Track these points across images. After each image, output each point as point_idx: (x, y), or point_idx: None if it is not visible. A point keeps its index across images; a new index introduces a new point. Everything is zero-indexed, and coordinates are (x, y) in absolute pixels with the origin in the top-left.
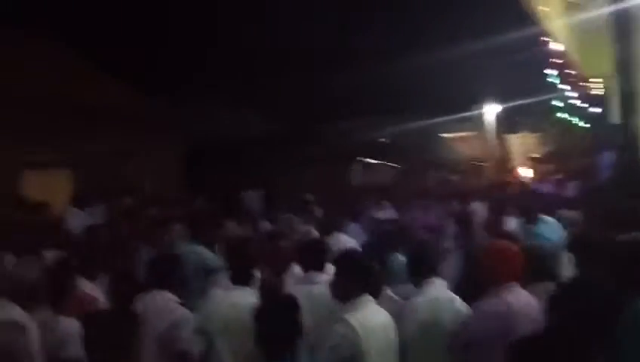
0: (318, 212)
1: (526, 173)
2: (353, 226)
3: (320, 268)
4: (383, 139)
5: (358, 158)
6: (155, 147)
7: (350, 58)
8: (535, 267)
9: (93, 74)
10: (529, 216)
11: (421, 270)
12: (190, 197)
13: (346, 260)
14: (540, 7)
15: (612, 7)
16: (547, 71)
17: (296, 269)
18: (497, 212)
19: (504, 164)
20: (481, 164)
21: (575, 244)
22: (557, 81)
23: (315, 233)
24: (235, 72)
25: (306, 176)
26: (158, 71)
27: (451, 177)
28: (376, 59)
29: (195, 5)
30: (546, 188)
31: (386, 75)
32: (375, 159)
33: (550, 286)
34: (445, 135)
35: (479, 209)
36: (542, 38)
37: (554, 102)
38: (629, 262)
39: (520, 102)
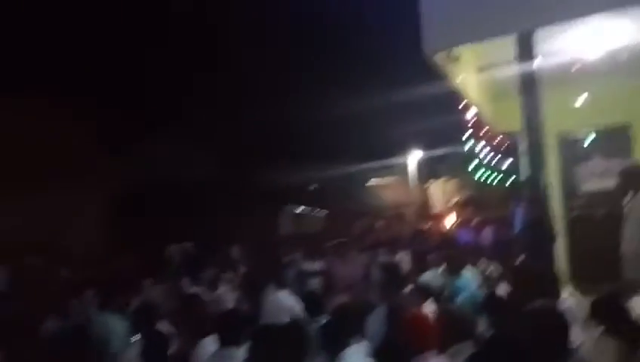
0: (243, 268)
1: (447, 219)
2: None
3: (236, 342)
4: (313, 186)
5: (287, 206)
6: (76, 197)
7: (280, 105)
8: (455, 329)
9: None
10: (451, 268)
11: (338, 339)
12: (110, 253)
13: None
14: (454, 70)
15: (519, 69)
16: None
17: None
18: (419, 263)
19: (426, 209)
20: (404, 210)
21: (487, 306)
22: (469, 140)
23: (230, 298)
24: (166, 115)
25: (235, 224)
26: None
27: (376, 224)
28: (305, 108)
29: (130, 44)
30: (467, 235)
31: (315, 124)
32: (304, 206)
33: (469, 347)
34: (371, 182)
35: (405, 259)
36: (456, 96)
37: (468, 160)
38: (536, 331)
39: (438, 151)
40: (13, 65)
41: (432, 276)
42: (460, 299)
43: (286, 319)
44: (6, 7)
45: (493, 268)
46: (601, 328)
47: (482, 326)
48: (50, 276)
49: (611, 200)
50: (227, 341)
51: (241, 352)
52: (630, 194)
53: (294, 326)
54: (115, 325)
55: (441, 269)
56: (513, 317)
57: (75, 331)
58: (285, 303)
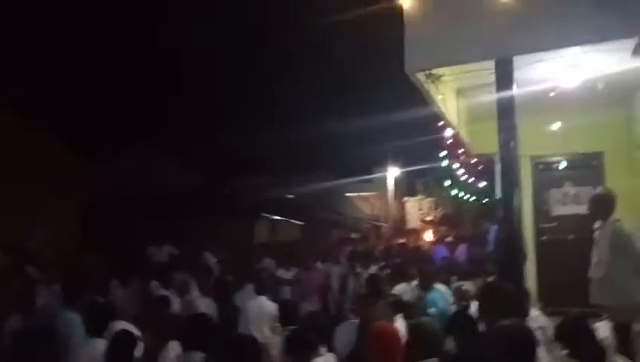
0: (216, 271)
1: (422, 234)
2: (249, 287)
3: (199, 347)
4: (290, 196)
5: (263, 215)
6: (49, 200)
7: (261, 119)
8: (422, 344)
9: None
10: (423, 283)
11: (304, 348)
12: (80, 256)
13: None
14: (434, 90)
15: (497, 93)
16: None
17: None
18: (392, 277)
19: (402, 224)
20: (380, 223)
21: (455, 323)
22: (446, 159)
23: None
24: (145, 124)
25: (211, 231)
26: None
27: (352, 236)
28: (287, 123)
29: (113, 55)
30: (441, 251)
31: (296, 136)
32: (280, 216)
33: None
34: (349, 194)
35: (378, 272)
36: (436, 116)
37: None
38: (504, 349)
39: (416, 167)
40: None
41: (403, 290)
42: (430, 314)
43: (267, 324)
44: None
45: (465, 285)
46: (566, 350)
47: (450, 343)
48: (16, 274)
49: (581, 225)
50: (190, 345)
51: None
52: (599, 222)
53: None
54: (79, 324)
55: (413, 284)
56: (480, 336)
57: (39, 329)
58: (266, 308)
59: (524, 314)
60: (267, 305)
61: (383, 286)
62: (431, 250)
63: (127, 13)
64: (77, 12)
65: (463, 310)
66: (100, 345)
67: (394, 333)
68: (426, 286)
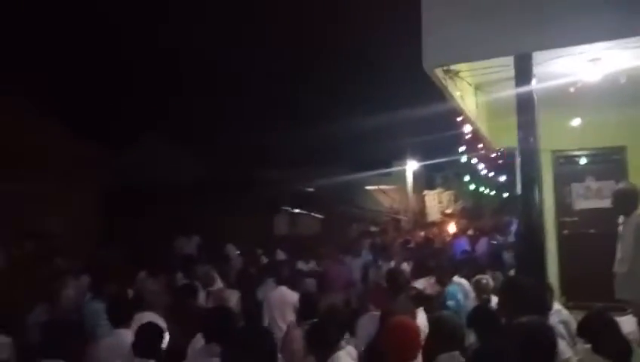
0: (238, 263)
1: (442, 227)
2: (270, 280)
3: (220, 339)
4: (309, 189)
5: (283, 208)
6: (72, 190)
7: (284, 110)
8: (443, 338)
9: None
10: (441, 277)
11: (325, 340)
12: (104, 246)
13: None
14: (453, 85)
15: (517, 88)
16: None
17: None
18: (413, 271)
19: (421, 217)
20: (400, 217)
21: (476, 318)
22: (465, 154)
23: (227, 293)
24: (168, 115)
25: (231, 223)
26: (87, 111)
27: (372, 229)
28: (309, 114)
29: (130, 45)
30: (461, 245)
31: (316, 130)
32: (300, 209)
33: (457, 357)
34: (368, 187)
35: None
36: (454, 112)
37: (464, 172)
38: (523, 346)
39: (436, 161)
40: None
41: (424, 284)
42: (449, 307)
43: (290, 313)
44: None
45: (485, 279)
46: (589, 345)
47: (471, 337)
48: (42, 264)
49: (603, 219)
50: (211, 337)
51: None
52: (622, 217)
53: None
54: (105, 314)
55: (433, 278)
56: (501, 331)
57: (65, 321)
58: (288, 297)
59: (547, 308)
60: (289, 294)
61: (403, 280)
62: (451, 243)
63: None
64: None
65: (484, 304)
66: (125, 335)
67: (413, 327)
68: (444, 280)
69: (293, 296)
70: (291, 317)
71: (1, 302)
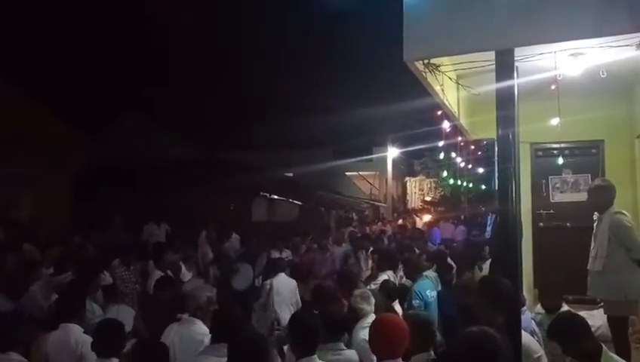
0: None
1: (421, 215)
2: (246, 267)
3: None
4: (288, 175)
5: (261, 194)
6: (44, 173)
7: (264, 94)
8: (420, 337)
9: None
10: (409, 272)
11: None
12: (77, 228)
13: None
14: (433, 78)
15: (497, 80)
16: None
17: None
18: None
19: (401, 204)
20: (380, 203)
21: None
22: (446, 142)
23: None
24: (145, 98)
25: (207, 208)
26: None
27: (352, 216)
28: (289, 99)
29: (112, 27)
30: (436, 234)
31: (296, 115)
32: (279, 195)
33: (431, 356)
34: (348, 173)
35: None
36: (434, 104)
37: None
38: (468, 356)
39: (415, 148)
40: None
41: (388, 278)
42: (414, 306)
43: (293, 299)
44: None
45: (454, 272)
46: (560, 346)
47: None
48: (11, 251)
49: (579, 213)
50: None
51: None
52: (596, 214)
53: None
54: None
55: (400, 272)
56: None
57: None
58: (292, 284)
59: (519, 308)
60: (289, 282)
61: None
62: (427, 232)
63: None
64: None
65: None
66: (72, 330)
67: (400, 324)
68: (411, 275)
69: (292, 283)
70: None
71: None
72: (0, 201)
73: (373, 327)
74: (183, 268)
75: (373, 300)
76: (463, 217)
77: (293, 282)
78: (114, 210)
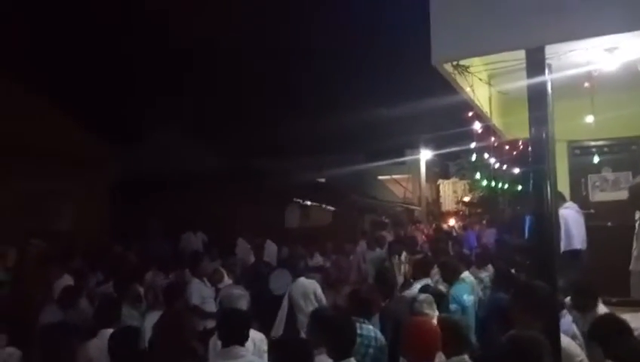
0: (250, 258)
1: (456, 218)
2: (283, 272)
3: (242, 341)
4: (321, 180)
5: (294, 200)
6: (82, 184)
7: (296, 99)
8: (454, 340)
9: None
10: (446, 276)
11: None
12: (115, 238)
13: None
14: (463, 79)
15: (529, 79)
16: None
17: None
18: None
19: (435, 207)
20: (414, 207)
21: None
22: (477, 148)
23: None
24: (178, 109)
25: (242, 216)
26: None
27: (385, 220)
28: (321, 104)
29: (143, 38)
30: (472, 237)
31: (329, 119)
32: (312, 200)
33: (466, 361)
34: (381, 177)
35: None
36: (466, 105)
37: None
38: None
39: (449, 150)
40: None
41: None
42: (453, 312)
43: (313, 302)
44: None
45: (490, 275)
46: (600, 349)
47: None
48: (55, 263)
49: (620, 211)
50: (232, 340)
51: (244, 350)
52: (638, 213)
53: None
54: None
55: (435, 277)
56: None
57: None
58: (310, 287)
59: (557, 312)
60: (309, 284)
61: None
62: (462, 235)
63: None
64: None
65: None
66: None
67: (431, 328)
68: (449, 279)
69: (313, 285)
70: (313, 306)
71: (11, 307)
72: (42, 214)
73: (404, 330)
74: (225, 275)
75: (435, 305)
76: (498, 219)
77: (311, 286)
78: (151, 220)
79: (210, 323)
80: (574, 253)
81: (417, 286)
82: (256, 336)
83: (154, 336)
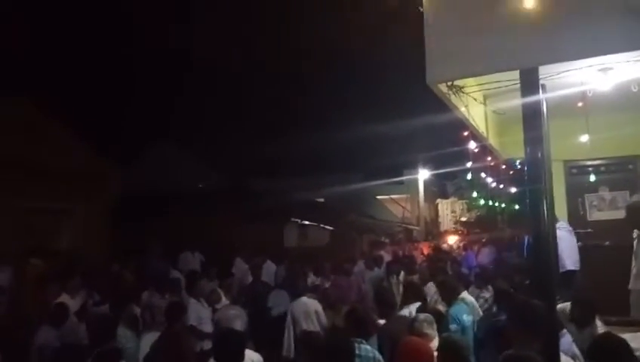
0: (247, 277)
1: (453, 237)
2: (281, 293)
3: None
4: (319, 199)
5: (292, 219)
6: (82, 203)
7: (293, 117)
8: (453, 360)
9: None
10: (444, 296)
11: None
12: (114, 257)
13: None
14: (457, 99)
15: (524, 99)
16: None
17: None
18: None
19: (433, 227)
20: (412, 227)
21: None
22: (475, 164)
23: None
24: (175, 128)
25: (240, 235)
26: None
27: (384, 240)
28: (320, 124)
29: (142, 56)
30: (471, 257)
31: (326, 139)
32: (310, 220)
33: None
34: (380, 197)
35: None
36: (461, 124)
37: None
38: None
39: (446, 170)
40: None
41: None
42: (453, 328)
43: (314, 321)
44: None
45: (490, 296)
46: None
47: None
48: (54, 281)
49: (618, 231)
50: (226, 361)
51: None
52: (636, 231)
53: None
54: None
55: (434, 297)
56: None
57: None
58: (311, 306)
59: (556, 331)
60: (311, 303)
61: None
62: (460, 254)
63: (149, 14)
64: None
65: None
66: None
67: (426, 350)
68: (448, 298)
69: (315, 304)
70: (316, 324)
71: (6, 327)
72: (40, 233)
73: (398, 349)
74: (222, 296)
75: (435, 325)
76: (497, 239)
77: (313, 305)
78: (149, 239)
79: (207, 344)
80: (568, 274)
81: (406, 311)
82: (254, 357)
83: (151, 356)
